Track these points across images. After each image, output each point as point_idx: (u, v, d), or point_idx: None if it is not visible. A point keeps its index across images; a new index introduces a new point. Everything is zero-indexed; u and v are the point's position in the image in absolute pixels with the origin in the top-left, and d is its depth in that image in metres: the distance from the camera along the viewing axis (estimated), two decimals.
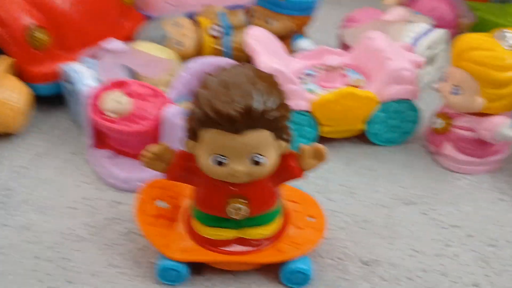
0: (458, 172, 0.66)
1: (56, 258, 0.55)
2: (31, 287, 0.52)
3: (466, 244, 0.56)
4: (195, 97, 0.44)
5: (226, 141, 0.44)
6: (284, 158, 0.48)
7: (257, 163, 0.45)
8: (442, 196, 0.63)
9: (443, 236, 0.57)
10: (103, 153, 0.66)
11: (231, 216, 0.48)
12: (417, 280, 0.52)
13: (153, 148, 0.48)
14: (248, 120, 0.42)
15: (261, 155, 0.45)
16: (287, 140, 0.47)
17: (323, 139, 0.70)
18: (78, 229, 0.58)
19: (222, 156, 0.45)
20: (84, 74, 0.69)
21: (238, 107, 0.42)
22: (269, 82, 0.44)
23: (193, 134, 0.45)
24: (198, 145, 0.45)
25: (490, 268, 0.54)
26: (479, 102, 0.61)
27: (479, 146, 0.65)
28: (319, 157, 0.48)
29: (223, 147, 0.44)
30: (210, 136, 0.44)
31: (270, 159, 0.46)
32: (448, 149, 0.66)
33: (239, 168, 0.45)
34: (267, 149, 0.45)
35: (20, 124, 0.71)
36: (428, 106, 0.75)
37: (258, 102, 0.42)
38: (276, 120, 0.44)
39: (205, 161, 0.45)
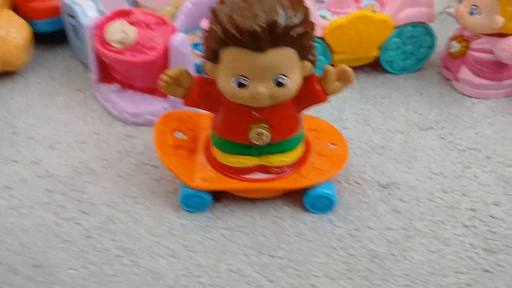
0: (475, 97, 0.65)
1: (69, 190, 0.54)
2: (45, 220, 0.51)
3: (485, 165, 0.56)
4: (213, 14, 0.42)
5: (248, 60, 0.41)
6: (308, 81, 0.46)
7: (280, 84, 0.43)
8: (460, 121, 0.62)
9: (462, 158, 0.56)
10: (110, 87, 0.64)
11: (253, 142, 0.46)
12: (437, 201, 0.52)
13: (171, 71, 0.45)
14: (272, 36, 0.40)
15: (285, 75, 0.43)
16: (311, 61, 0.44)
17: None
18: (89, 163, 0.57)
19: (244, 77, 0.42)
20: (86, 6, 0.66)
21: (261, 22, 0.39)
22: None
23: (212, 55, 0.43)
24: (218, 66, 0.43)
25: (511, 187, 0.53)
26: (499, 21, 0.59)
27: (497, 69, 0.63)
28: (344, 79, 0.46)
29: (245, 67, 0.42)
30: (230, 55, 0.42)
31: (294, 81, 0.43)
32: (465, 73, 0.64)
33: (262, 90, 0.43)
34: (291, 69, 0.43)
35: (22, 62, 0.69)
36: (442, 34, 0.72)
37: (283, 17, 0.39)
38: (301, 37, 0.41)
39: (226, 83, 0.43)
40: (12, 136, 0.61)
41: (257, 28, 0.39)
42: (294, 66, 0.43)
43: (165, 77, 0.46)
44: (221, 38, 0.41)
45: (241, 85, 0.43)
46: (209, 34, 0.43)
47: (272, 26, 0.39)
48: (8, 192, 0.54)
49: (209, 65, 0.44)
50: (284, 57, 0.42)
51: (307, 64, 0.44)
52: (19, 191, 0.54)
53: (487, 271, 0.45)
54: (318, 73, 0.47)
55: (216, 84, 0.45)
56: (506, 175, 0.54)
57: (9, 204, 0.53)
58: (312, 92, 0.46)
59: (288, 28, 0.40)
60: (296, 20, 0.40)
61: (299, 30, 0.41)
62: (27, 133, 0.62)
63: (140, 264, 0.47)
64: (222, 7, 0.41)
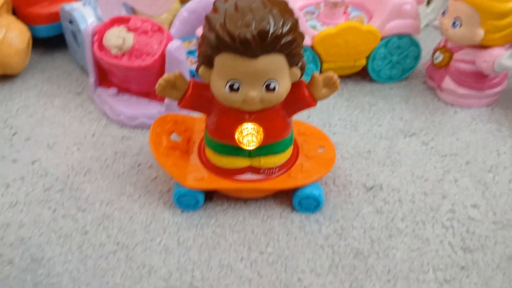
0: (457, 106, 0.68)
1: (67, 189, 0.56)
2: (42, 217, 0.53)
3: (465, 170, 0.58)
4: (207, 22, 0.44)
5: (240, 66, 0.43)
6: (297, 87, 0.48)
7: (270, 89, 0.45)
8: (442, 128, 0.64)
9: (443, 163, 0.59)
10: (108, 91, 0.66)
11: None
12: (419, 203, 0.54)
13: (167, 75, 0.48)
14: (263, 44, 0.42)
15: (275, 80, 0.45)
16: (301, 68, 0.47)
17: None
18: (87, 163, 0.59)
19: (236, 81, 0.45)
20: (86, 13, 0.68)
21: (253, 31, 0.41)
22: (282, 7, 0.44)
23: (206, 60, 0.45)
24: (212, 71, 0.46)
25: (489, 192, 0.55)
26: (480, 33, 0.62)
27: (479, 79, 0.66)
28: (331, 86, 0.49)
29: (237, 72, 0.44)
30: (223, 61, 0.44)
31: (283, 86, 0.46)
32: (448, 82, 0.67)
33: (253, 94, 0.45)
34: (281, 75, 0.45)
35: (21, 65, 0.71)
36: (428, 45, 0.76)
37: (273, 26, 0.42)
38: (290, 45, 0.44)
39: (219, 87, 0.46)
40: (11, 136, 0.63)
41: (249, 36, 0.41)
42: (283, 72, 0.45)
43: (161, 81, 0.48)
44: (215, 45, 0.43)
45: (233, 89, 0.45)
46: (203, 40, 0.45)
47: (263, 34, 0.42)
48: (6, 190, 0.56)
49: (203, 69, 0.46)
50: (274, 63, 0.44)
51: (296, 70, 0.46)
52: (17, 189, 0.56)
53: (464, 268, 0.48)
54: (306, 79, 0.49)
55: (209, 87, 0.47)
56: (484, 179, 0.57)
57: (6, 200, 0.55)
58: (301, 97, 0.49)
59: (278, 36, 0.42)
60: (286, 28, 0.43)
61: (288, 38, 0.43)
62: (25, 133, 0.64)
63: (135, 259, 0.49)
64: (216, 15, 0.43)
